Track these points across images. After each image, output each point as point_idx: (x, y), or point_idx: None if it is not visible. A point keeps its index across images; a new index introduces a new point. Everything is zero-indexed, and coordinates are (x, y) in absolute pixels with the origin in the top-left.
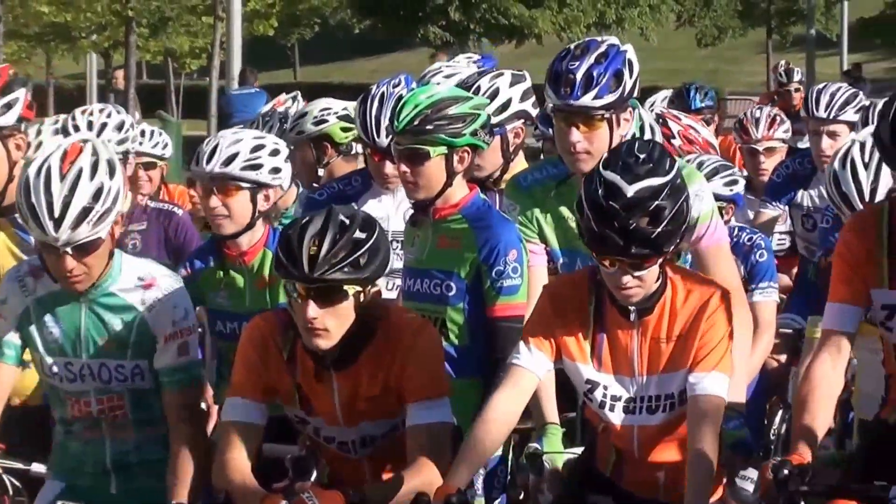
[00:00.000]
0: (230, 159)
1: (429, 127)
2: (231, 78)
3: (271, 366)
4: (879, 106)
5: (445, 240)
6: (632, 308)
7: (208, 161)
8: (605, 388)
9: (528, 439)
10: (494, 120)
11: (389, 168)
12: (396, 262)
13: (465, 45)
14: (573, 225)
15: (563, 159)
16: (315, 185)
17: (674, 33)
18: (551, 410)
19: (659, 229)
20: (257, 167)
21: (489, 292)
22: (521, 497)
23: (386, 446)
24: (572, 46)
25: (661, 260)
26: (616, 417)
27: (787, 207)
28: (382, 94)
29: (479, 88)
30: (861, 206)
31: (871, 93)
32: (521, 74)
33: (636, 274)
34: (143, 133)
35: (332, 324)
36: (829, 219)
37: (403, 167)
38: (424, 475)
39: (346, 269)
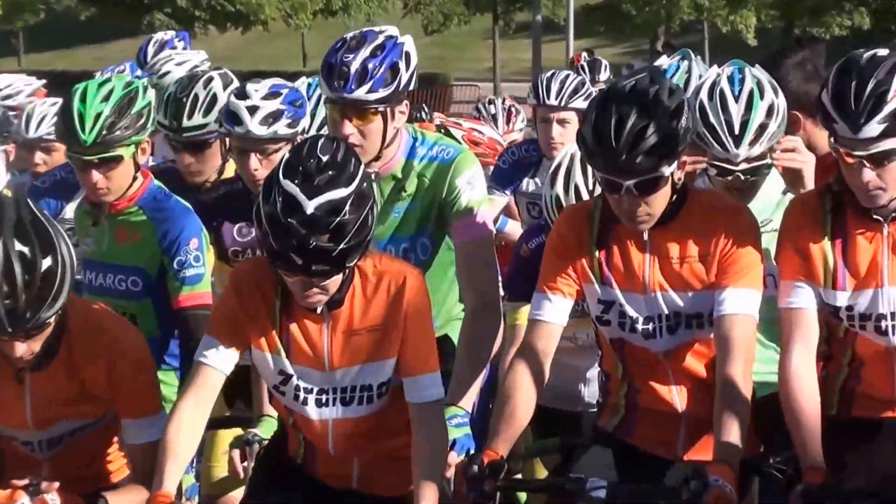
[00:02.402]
0: None
1: (118, 133)
2: None
3: None
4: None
5: (124, 233)
6: None
7: None
8: (298, 379)
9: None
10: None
11: None
12: None
13: (192, 31)
14: None
15: None
16: None
17: (401, 20)
18: (267, 403)
19: (341, 246)
20: None
21: (172, 283)
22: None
23: (74, 447)
24: (348, 37)
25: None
26: (310, 411)
27: (512, 195)
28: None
29: (196, 96)
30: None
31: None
32: (230, 75)
33: (318, 283)
34: None
35: (35, 347)
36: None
37: (95, 176)
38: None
39: (46, 313)
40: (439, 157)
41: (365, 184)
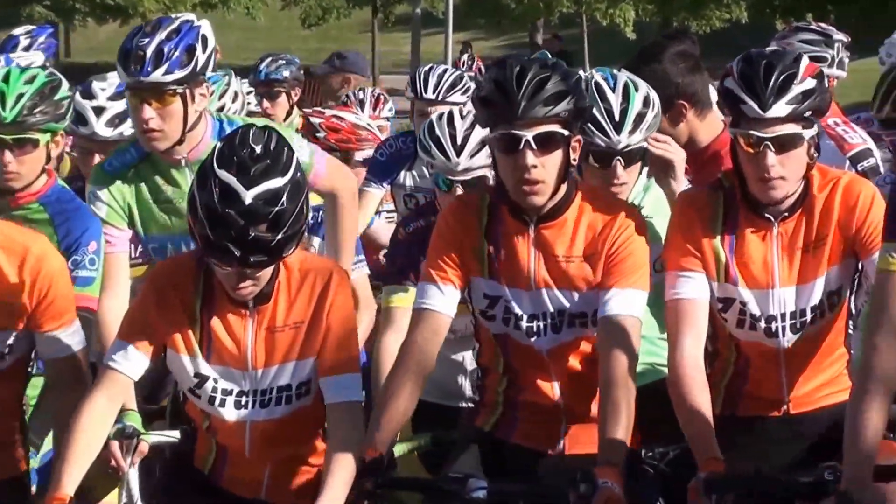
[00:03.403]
0: None
1: (38, 116)
2: None
3: None
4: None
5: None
6: None
7: None
8: (216, 381)
9: None
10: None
11: None
12: None
13: (71, 24)
14: (155, 208)
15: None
16: None
17: (280, 13)
18: (131, 399)
19: (279, 236)
20: None
21: None
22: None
23: None
24: (144, 24)
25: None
26: (227, 413)
27: (389, 187)
28: None
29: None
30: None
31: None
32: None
33: (251, 275)
34: None
35: None
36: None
37: (7, 157)
38: None
39: None
40: None
41: (299, 173)
